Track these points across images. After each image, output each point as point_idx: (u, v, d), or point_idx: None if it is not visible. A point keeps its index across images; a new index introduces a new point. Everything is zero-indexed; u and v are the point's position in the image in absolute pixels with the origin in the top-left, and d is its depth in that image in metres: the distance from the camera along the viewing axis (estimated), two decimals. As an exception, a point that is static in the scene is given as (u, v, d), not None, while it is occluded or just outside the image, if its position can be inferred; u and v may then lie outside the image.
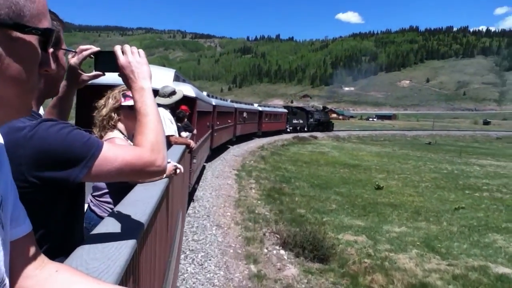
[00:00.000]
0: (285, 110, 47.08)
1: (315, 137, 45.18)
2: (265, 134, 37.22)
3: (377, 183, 16.69)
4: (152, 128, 1.33)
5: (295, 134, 42.47)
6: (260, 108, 36.81)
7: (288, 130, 46.35)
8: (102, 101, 2.70)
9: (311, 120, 52.62)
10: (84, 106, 3.61)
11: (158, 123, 1.37)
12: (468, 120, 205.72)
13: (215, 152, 20.73)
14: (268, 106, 46.29)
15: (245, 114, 30.34)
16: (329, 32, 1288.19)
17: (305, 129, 51.47)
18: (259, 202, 12.06)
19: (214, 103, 17.56)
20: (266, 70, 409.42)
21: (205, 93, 16.60)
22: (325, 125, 56.34)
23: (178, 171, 2.66)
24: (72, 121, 3.80)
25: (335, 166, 22.86)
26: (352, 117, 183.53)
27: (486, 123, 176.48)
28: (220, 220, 9.29)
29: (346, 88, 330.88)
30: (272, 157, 24.50)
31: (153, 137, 1.31)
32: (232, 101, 28.93)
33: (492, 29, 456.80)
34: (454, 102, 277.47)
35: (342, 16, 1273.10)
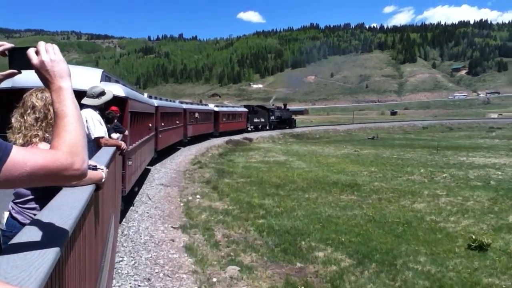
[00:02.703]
0: (245, 109, 45.15)
1: (250, 140, 36.90)
2: (224, 134, 35.89)
3: (472, 237, 8.48)
4: (70, 130, 1.22)
5: (228, 138, 33.71)
6: (216, 109, 35.80)
7: (250, 129, 44.99)
8: (38, 102, 2.40)
9: (273, 118, 50.81)
10: (8, 111, 2.61)
11: (78, 124, 1.25)
12: (374, 111, 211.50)
13: (163, 154, 19.65)
14: (227, 106, 44.21)
15: (197, 115, 28.91)
16: (232, 31, 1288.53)
17: (267, 127, 49.73)
18: None
19: (156, 104, 16.87)
20: (172, 70, 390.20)
21: (146, 95, 16.68)
22: (287, 122, 54.64)
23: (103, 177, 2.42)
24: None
25: (326, 189, 14.49)
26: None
27: (393, 113, 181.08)
28: None
29: (255, 86, 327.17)
30: (222, 180, 15.49)
31: (71, 139, 1.20)
32: (182, 102, 27.93)
33: (385, 25, 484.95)
34: (358, 95, 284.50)
35: (243, 16, 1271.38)
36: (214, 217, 9.87)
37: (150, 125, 14.51)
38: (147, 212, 9.77)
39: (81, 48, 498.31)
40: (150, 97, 17.48)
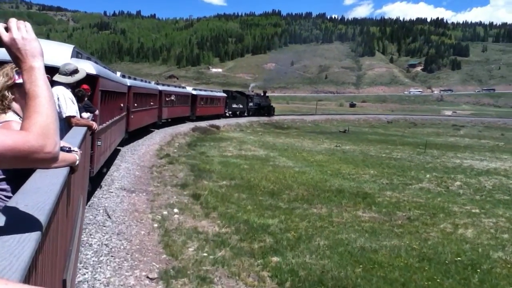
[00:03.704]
0: (224, 94, 44.63)
1: (218, 127, 33.65)
2: (201, 118, 35.29)
3: None
4: (42, 111, 1.16)
5: (194, 125, 30.28)
6: (194, 92, 35.56)
7: (227, 114, 44.65)
8: None
9: (251, 104, 50.21)
10: None
11: (50, 105, 1.19)
12: (333, 102, 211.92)
13: (134, 135, 18.83)
14: (205, 90, 42.75)
15: (173, 97, 27.76)
16: (192, 12, 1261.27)
17: (245, 113, 49.05)
18: None
19: (129, 84, 16.20)
20: (128, 48, 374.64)
21: (119, 73, 16.31)
22: (266, 110, 53.72)
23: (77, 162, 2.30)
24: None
25: (333, 200, 11.64)
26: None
27: (352, 105, 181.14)
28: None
29: (214, 70, 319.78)
30: (201, 182, 12.25)
31: (43, 120, 1.14)
32: (158, 83, 28.20)
33: (346, 17, 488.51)
34: (318, 86, 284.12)
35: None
36: (207, 253, 6.69)
37: (122, 105, 13.81)
38: (106, 245, 6.42)
39: (32, 19, 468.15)
40: (123, 76, 16.84)
